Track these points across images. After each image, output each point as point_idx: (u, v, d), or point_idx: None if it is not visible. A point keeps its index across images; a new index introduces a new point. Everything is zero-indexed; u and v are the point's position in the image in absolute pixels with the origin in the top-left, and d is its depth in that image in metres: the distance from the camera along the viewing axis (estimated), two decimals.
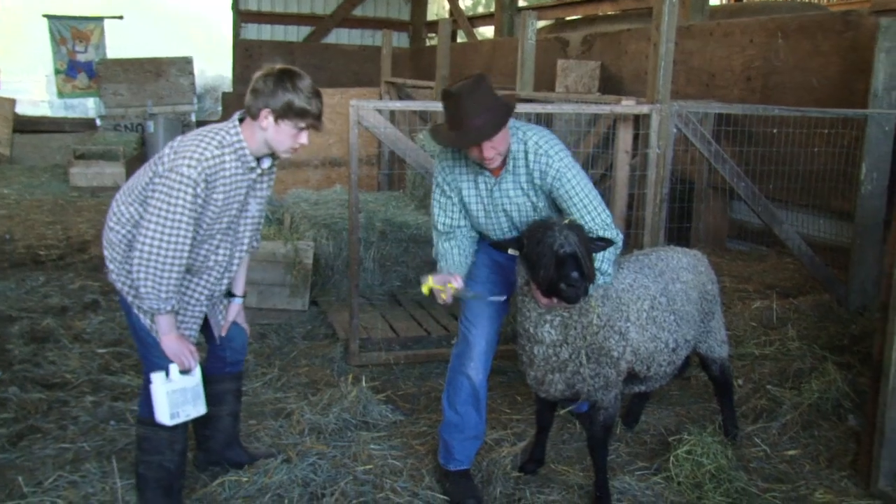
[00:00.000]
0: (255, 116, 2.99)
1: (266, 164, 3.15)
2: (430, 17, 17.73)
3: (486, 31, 16.64)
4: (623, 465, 3.89)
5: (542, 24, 13.11)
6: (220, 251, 3.19)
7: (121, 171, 11.23)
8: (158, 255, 2.88)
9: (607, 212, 3.32)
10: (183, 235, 2.90)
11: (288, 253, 5.85)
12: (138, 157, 12.57)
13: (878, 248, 5.57)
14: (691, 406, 4.59)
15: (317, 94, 3.02)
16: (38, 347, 5.05)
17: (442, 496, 3.55)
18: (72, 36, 15.10)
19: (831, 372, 4.54)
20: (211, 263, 3.18)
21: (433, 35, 16.76)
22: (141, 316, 3.09)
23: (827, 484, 3.78)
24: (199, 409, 3.25)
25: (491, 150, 3.16)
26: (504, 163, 3.30)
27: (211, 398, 3.42)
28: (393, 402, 4.50)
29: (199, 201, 2.90)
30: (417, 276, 6.38)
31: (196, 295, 3.21)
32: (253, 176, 3.11)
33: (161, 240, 2.87)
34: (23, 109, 14.68)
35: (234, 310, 3.47)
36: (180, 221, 2.88)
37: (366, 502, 3.46)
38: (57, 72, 15.16)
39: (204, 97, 16.98)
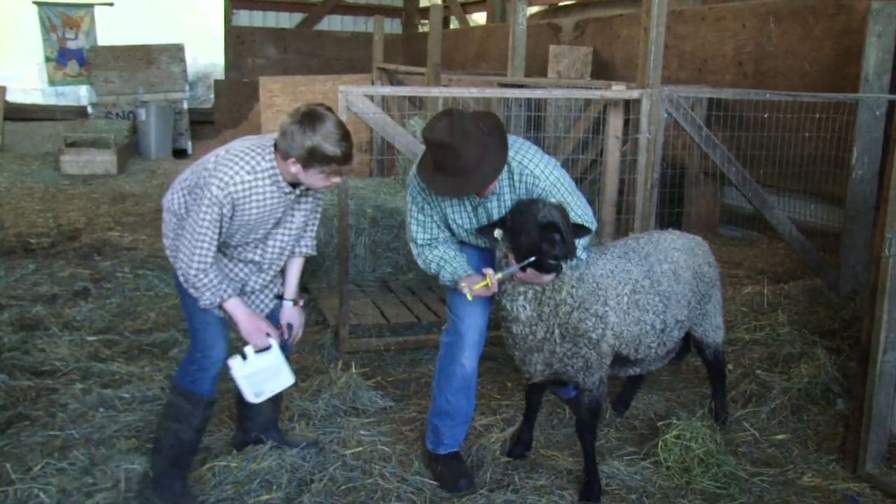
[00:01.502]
0: (284, 158, 3.01)
1: (304, 186, 3.17)
2: (423, 3, 17.64)
3: (479, 18, 16.56)
4: (612, 450, 3.90)
5: (534, 9, 13.06)
6: (250, 259, 3.31)
7: (112, 158, 11.18)
8: (191, 260, 3.04)
9: (589, 209, 3.38)
10: (208, 243, 3.04)
11: None
12: (130, 144, 12.51)
13: (869, 233, 5.58)
14: (681, 391, 4.60)
15: (344, 137, 2.98)
16: (28, 335, 5.03)
17: (431, 481, 3.55)
18: (62, 23, 14.98)
19: (821, 356, 4.55)
20: (238, 269, 3.32)
21: (426, 21, 16.67)
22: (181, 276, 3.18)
23: (815, 468, 3.80)
24: (283, 381, 3.40)
25: (493, 184, 3.16)
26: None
27: None
28: (383, 388, 4.50)
29: (226, 217, 3.02)
30: (408, 263, 6.38)
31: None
32: (291, 197, 3.16)
33: (192, 248, 3.03)
34: (15, 97, 14.57)
35: (287, 313, 3.50)
36: (205, 233, 3.02)
37: (354, 488, 3.47)
38: (47, 59, 15.05)
39: (196, 84, 16.87)
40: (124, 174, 11.26)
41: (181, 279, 3.13)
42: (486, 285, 3.17)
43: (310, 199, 3.32)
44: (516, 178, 3.25)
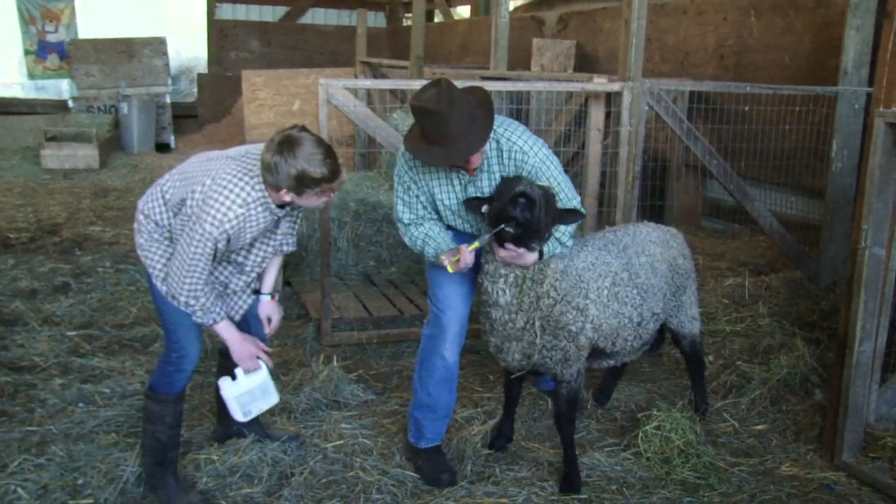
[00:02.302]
0: (276, 190, 2.99)
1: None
2: None
3: (464, 11, 16.53)
4: (593, 442, 3.92)
5: (518, 3, 13.05)
6: (237, 262, 3.32)
7: (93, 153, 11.07)
8: (182, 287, 3.04)
9: (577, 196, 3.36)
10: (199, 273, 3.03)
11: None
12: (111, 139, 12.39)
13: (849, 225, 5.61)
14: (662, 383, 4.62)
15: (327, 154, 2.96)
16: (6, 330, 4.99)
17: (411, 473, 3.55)
18: (41, 15, 14.81)
19: (800, 347, 4.59)
20: (226, 271, 3.32)
21: (410, 15, 16.64)
22: (164, 291, 3.17)
23: (793, 457, 3.83)
24: (270, 400, 3.47)
25: (478, 156, 3.16)
26: (478, 160, 3.26)
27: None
28: (365, 381, 4.50)
29: (221, 246, 3.02)
30: (391, 256, 6.37)
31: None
32: (282, 214, 3.18)
33: (183, 277, 3.02)
34: None
35: (266, 307, 3.51)
36: (197, 264, 3.01)
37: (335, 481, 3.47)
38: (27, 52, 14.88)
39: (179, 78, 16.73)
40: (106, 168, 11.16)
41: (170, 299, 3.13)
42: (456, 261, 3.18)
43: (291, 217, 3.36)
44: (505, 154, 3.24)
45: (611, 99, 5.20)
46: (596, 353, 3.54)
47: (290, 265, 6.14)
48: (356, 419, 4.03)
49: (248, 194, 2.99)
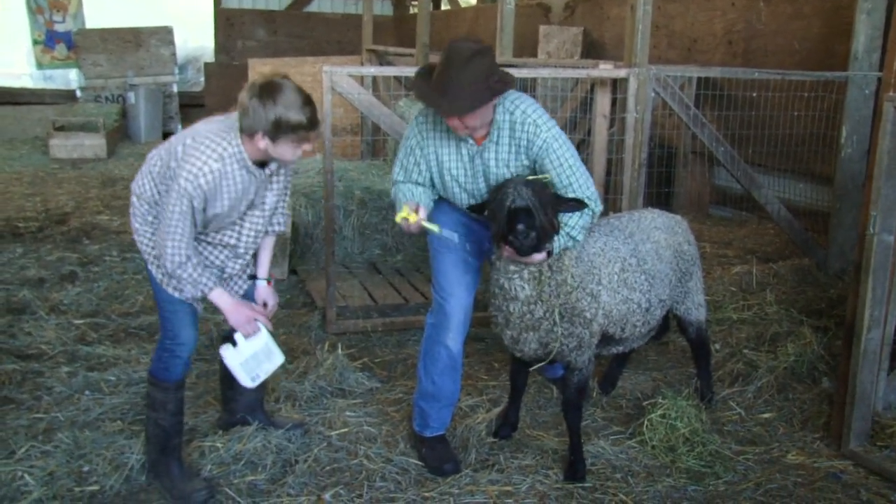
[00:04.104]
0: (251, 136, 2.96)
1: (273, 166, 3.15)
2: None
3: None
4: (598, 430, 3.91)
5: None
6: (228, 240, 3.26)
7: (101, 142, 11.09)
8: (167, 254, 3.01)
9: (592, 185, 3.29)
10: (181, 236, 3.00)
11: None
12: (119, 128, 12.42)
13: (858, 212, 5.55)
14: (668, 371, 4.60)
15: (307, 102, 2.95)
16: (14, 319, 5.01)
17: (415, 461, 3.55)
18: (49, 5, 14.81)
19: (807, 335, 4.56)
20: (218, 251, 3.27)
21: (416, 3, 16.56)
22: (158, 278, 3.17)
23: (800, 446, 3.81)
24: (275, 361, 3.40)
25: (472, 120, 3.10)
26: (486, 130, 3.24)
27: None
28: (369, 369, 4.50)
29: (197, 203, 2.98)
30: (396, 244, 6.37)
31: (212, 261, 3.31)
32: (262, 178, 3.13)
33: (166, 242, 3.00)
34: (3, 81, 14.43)
35: (261, 292, 3.49)
36: (177, 226, 2.98)
37: (339, 468, 3.47)
38: (35, 42, 14.90)
39: (186, 67, 16.73)
40: (114, 158, 11.18)
41: (161, 274, 3.12)
42: (406, 217, 3.18)
43: (280, 178, 3.29)
44: (518, 126, 3.21)
45: (617, 85, 5.16)
46: (605, 339, 3.53)
47: (296, 253, 6.15)
48: (360, 407, 4.03)
49: (225, 149, 2.98)
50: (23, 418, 3.82)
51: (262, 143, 2.95)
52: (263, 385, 3.71)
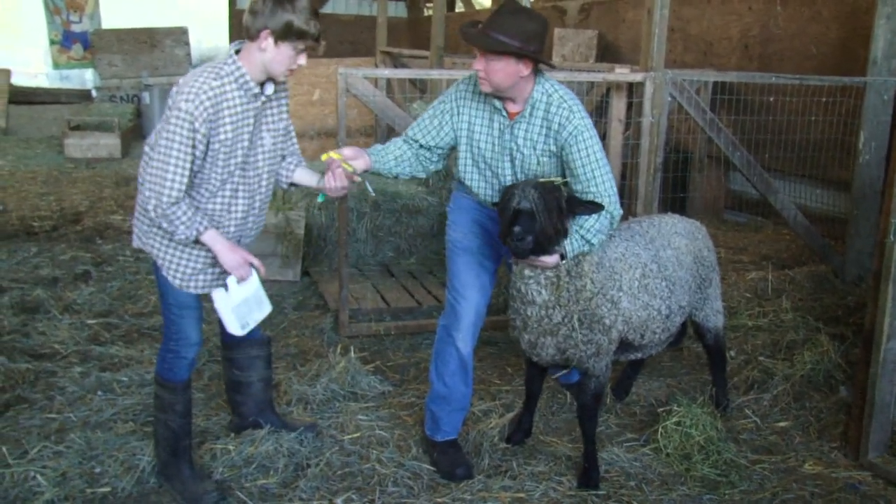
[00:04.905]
0: (253, 38, 2.96)
1: (269, 90, 3.13)
2: None
3: (485, 1, 16.43)
4: (612, 437, 3.88)
5: None
6: (240, 199, 3.17)
7: (116, 142, 11.14)
8: (162, 188, 2.90)
9: (613, 184, 3.25)
10: (181, 168, 2.90)
11: (279, 223, 5.80)
12: (134, 128, 12.47)
13: (876, 218, 5.50)
14: (683, 377, 4.56)
15: (315, 15, 2.98)
16: (28, 318, 5.03)
17: (428, 466, 3.53)
18: (66, 6, 14.91)
19: (824, 343, 4.51)
20: (232, 213, 3.18)
21: (431, 4, 16.56)
22: (165, 273, 3.14)
23: (817, 455, 3.77)
24: (264, 310, 3.32)
25: (493, 73, 3.12)
26: (521, 107, 3.25)
27: (240, 364, 3.56)
28: (382, 372, 4.48)
29: (199, 136, 2.90)
30: (410, 247, 6.35)
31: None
32: (258, 104, 3.09)
33: (163, 175, 2.90)
34: (20, 81, 14.53)
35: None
36: (177, 155, 2.89)
37: (351, 472, 3.45)
38: (52, 42, 15.00)
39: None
40: (128, 158, 11.22)
41: (151, 214, 2.96)
42: (333, 157, 3.21)
43: (275, 116, 3.22)
44: (554, 109, 3.20)
45: (633, 89, 5.13)
46: (624, 345, 3.50)
47: (309, 255, 6.14)
48: (373, 411, 4.01)
49: (222, 69, 2.96)
50: (36, 418, 3.82)
51: (265, 42, 2.93)
52: (269, 385, 3.70)
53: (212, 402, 4.06)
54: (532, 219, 3.00)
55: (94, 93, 14.23)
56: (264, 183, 3.25)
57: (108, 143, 11.11)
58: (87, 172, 10.08)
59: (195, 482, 3.28)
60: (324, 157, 3.27)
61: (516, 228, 2.98)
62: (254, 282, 3.22)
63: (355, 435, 3.74)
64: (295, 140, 3.43)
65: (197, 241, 3.05)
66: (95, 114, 12.26)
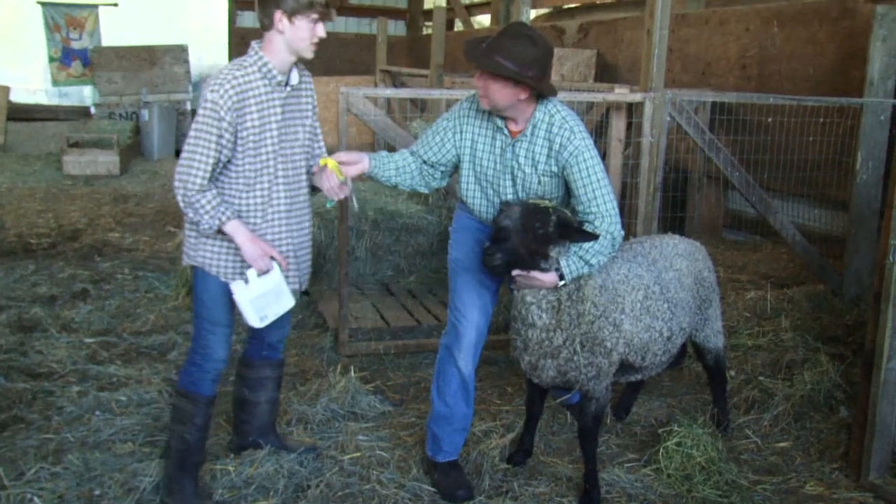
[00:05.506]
0: (269, 26, 3.06)
1: (294, 79, 3.21)
2: (428, 5, 17.59)
3: (484, 20, 16.53)
4: (613, 457, 3.86)
5: (539, 12, 13.03)
6: (282, 193, 3.23)
7: (115, 159, 11.15)
8: (188, 175, 2.99)
9: (615, 204, 3.25)
10: (207, 156, 3.00)
11: None
12: (132, 145, 12.49)
13: (874, 238, 5.53)
14: (683, 397, 4.56)
15: None
16: (25, 336, 5.01)
17: (429, 487, 3.51)
18: (66, 23, 14.96)
19: (824, 363, 4.51)
20: (274, 207, 3.23)
21: (430, 23, 16.65)
22: (205, 272, 3.19)
23: (818, 476, 3.75)
24: (285, 304, 3.30)
25: (495, 92, 3.15)
26: (523, 126, 3.28)
27: (251, 384, 3.57)
28: (382, 392, 4.47)
29: (225, 124, 2.99)
30: (409, 266, 6.35)
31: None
32: (283, 94, 3.16)
33: (190, 163, 3.00)
34: (19, 97, 14.54)
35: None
36: (205, 143, 2.99)
37: (351, 494, 3.43)
38: (51, 59, 15.03)
39: (200, 85, 16.84)
40: (127, 175, 11.24)
41: (180, 202, 3.03)
42: (336, 175, 3.24)
43: (304, 106, 3.31)
44: (555, 129, 3.23)
45: (632, 109, 5.15)
46: (625, 367, 3.49)
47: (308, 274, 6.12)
48: (373, 431, 3.99)
49: (244, 60, 3.09)
50: (32, 438, 3.79)
51: (281, 24, 3.02)
52: (275, 407, 3.69)
53: (211, 421, 4.03)
54: (504, 237, 3.04)
55: (92, 109, 14.25)
56: (303, 177, 3.31)
57: (106, 161, 11.12)
58: (86, 189, 10.08)
59: (196, 501, 3.26)
60: (321, 162, 3.30)
61: (487, 243, 3.06)
62: (275, 275, 3.21)
63: (355, 455, 3.73)
64: (322, 144, 3.49)
65: (220, 232, 3.10)
66: (94, 131, 12.28)
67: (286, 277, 3.26)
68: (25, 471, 3.45)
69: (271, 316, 3.27)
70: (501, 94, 3.16)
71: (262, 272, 3.16)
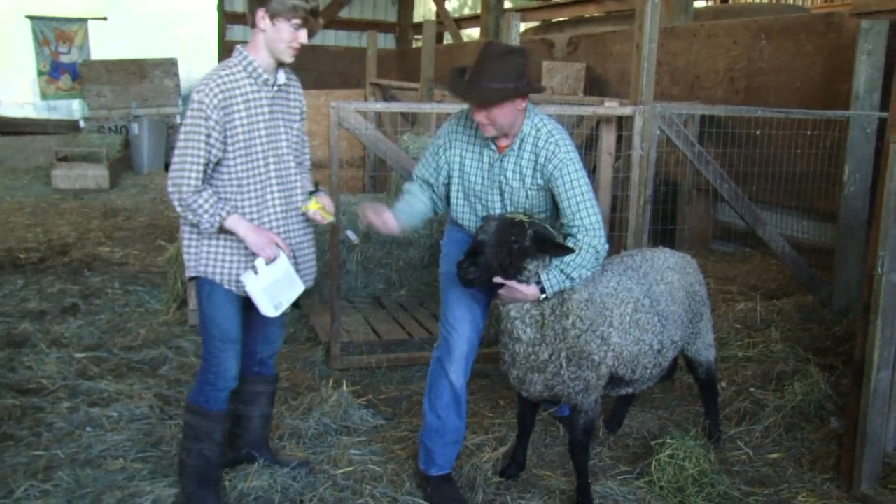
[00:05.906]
0: (254, 23, 3.09)
1: (281, 78, 3.22)
2: (417, 18, 17.68)
3: (473, 33, 16.61)
4: (605, 470, 3.86)
5: (528, 25, 13.11)
6: (276, 193, 3.24)
7: (104, 173, 11.12)
8: (181, 178, 3.01)
9: (599, 218, 3.26)
10: (197, 157, 3.01)
11: None
12: (122, 159, 12.46)
13: (862, 249, 5.57)
14: (675, 409, 4.57)
15: None
16: (14, 352, 4.97)
17: (422, 501, 3.50)
18: (55, 37, 14.96)
19: (814, 374, 4.53)
20: (269, 208, 3.24)
21: (420, 37, 16.71)
22: (210, 287, 3.19)
23: (809, 487, 3.77)
24: (296, 289, 3.31)
25: (499, 117, 3.17)
26: (511, 141, 3.30)
27: (244, 398, 3.56)
28: (374, 406, 4.46)
29: (213, 123, 3.01)
30: (400, 279, 6.34)
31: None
32: (270, 93, 3.19)
33: (181, 165, 3.02)
34: (7, 111, 14.52)
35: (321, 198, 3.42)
36: (194, 145, 3.00)
37: None
38: (40, 73, 15.02)
39: (190, 99, 16.86)
40: (116, 188, 11.21)
41: (177, 208, 3.06)
42: (323, 216, 3.32)
43: (292, 107, 3.32)
44: (541, 143, 3.25)
45: (622, 122, 5.18)
46: (615, 380, 3.50)
47: None
48: (366, 445, 3.98)
49: (229, 61, 3.12)
50: (22, 455, 3.77)
51: (264, 22, 3.05)
52: (268, 421, 3.68)
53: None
54: (481, 252, 3.08)
55: (81, 123, 14.23)
56: (295, 177, 3.32)
57: (95, 174, 11.09)
58: (75, 203, 10.05)
59: None
60: (303, 209, 3.33)
61: (461, 258, 3.11)
62: (282, 263, 3.22)
63: (348, 469, 3.72)
64: (308, 153, 3.51)
65: (222, 230, 3.11)
66: (83, 144, 12.25)
67: (295, 267, 3.29)
68: (15, 489, 3.43)
69: (285, 303, 3.29)
70: (505, 114, 3.18)
71: (270, 260, 3.17)
